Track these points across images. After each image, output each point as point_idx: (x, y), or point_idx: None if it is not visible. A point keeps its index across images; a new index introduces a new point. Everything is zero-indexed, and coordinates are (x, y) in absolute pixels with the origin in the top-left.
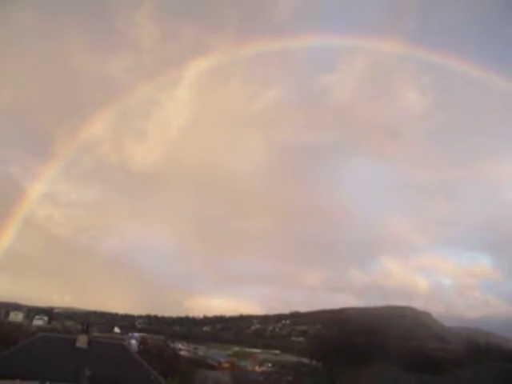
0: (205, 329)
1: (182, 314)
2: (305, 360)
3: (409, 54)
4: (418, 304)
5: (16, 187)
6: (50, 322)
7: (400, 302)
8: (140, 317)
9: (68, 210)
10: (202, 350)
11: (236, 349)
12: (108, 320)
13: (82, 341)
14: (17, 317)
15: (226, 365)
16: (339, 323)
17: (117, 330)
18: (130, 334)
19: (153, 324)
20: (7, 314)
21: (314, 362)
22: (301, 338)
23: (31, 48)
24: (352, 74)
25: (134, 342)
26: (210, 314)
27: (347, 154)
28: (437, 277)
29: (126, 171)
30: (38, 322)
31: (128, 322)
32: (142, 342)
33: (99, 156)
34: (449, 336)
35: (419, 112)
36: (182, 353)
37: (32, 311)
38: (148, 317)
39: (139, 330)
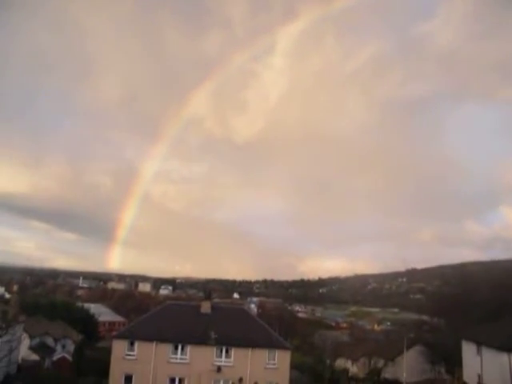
0: (321, 290)
1: (297, 278)
2: (425, 318)
3: None
4: None
5: (132, 169)
6: (174, 290)
7: None
8: (257, 282)
9: (180, 185)
10: (319, 312)
11: (353, 309)
12: (227, 286)
13: (205, 306)
14: (145, 287)
15: (345, 325)
16: (460, 279)
17: (236, 295)
18: (249, 299)
19: (269, 288)
20: (136, 285)
21: (435, 320)
22: (419, 296)
23: (129, 38)
24: (453, 15)
25: (252, 306)
26: (325, 275)
27: (454, 101)
28: None
29: (231, 143)
30: (164, 291)
31: (246, 288)
32: (260, 305)
33: (204, 131)
34: None
35: None
36: (300, 315)
37: (158, 282)
38: (264, 281)
39: (257, 295)
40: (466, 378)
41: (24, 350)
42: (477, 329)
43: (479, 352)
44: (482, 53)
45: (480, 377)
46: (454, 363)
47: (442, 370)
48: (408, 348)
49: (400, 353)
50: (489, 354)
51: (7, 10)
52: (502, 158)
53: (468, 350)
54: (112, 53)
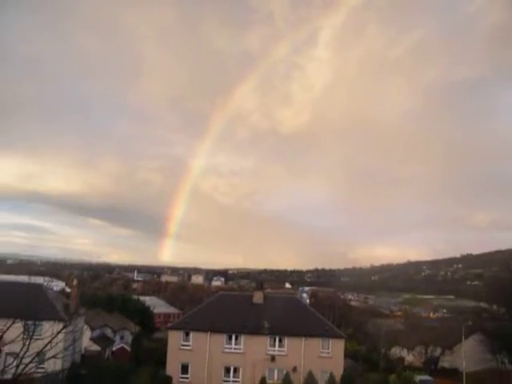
0: (373, 278)
1: (349, 266)
2: (483, 305)
3: None
4: None
5: (182, 165)
6: (226, 282)
7: None
8: (308, 271)
9: (230, 178)
10: (372, 300)
11: (407, 296)
12: (278, 277)
13: (258, 297)
14: (197, 279)
15: (399, 313)
16: None
17: (288, 285)
18: (301, 288)
19: (321, 277)
20: (189, 277)
21: (494, 307)
22: (476, 282)
23: (174, 38)
24: None
25: (304, 295)
26: (377, 263)
27: (504, 82)
28: None
29: (277, 135)
30: (216, 282)
31: (297, 277)
32: (312, 295)
33: (251, 125)
34: None
35: None
36: (352, 303)
37: (210, 273)
38: (316, 271)
39: (309, 284)
40: None
41: (86, 341)
42: None
43: None
44: None
45: None
46: None
47: (505, 360)
48: (466, 336)
49: (458, 341)
50: None
51: (60, 15)
52: None
53: None
54: (159, 53)
